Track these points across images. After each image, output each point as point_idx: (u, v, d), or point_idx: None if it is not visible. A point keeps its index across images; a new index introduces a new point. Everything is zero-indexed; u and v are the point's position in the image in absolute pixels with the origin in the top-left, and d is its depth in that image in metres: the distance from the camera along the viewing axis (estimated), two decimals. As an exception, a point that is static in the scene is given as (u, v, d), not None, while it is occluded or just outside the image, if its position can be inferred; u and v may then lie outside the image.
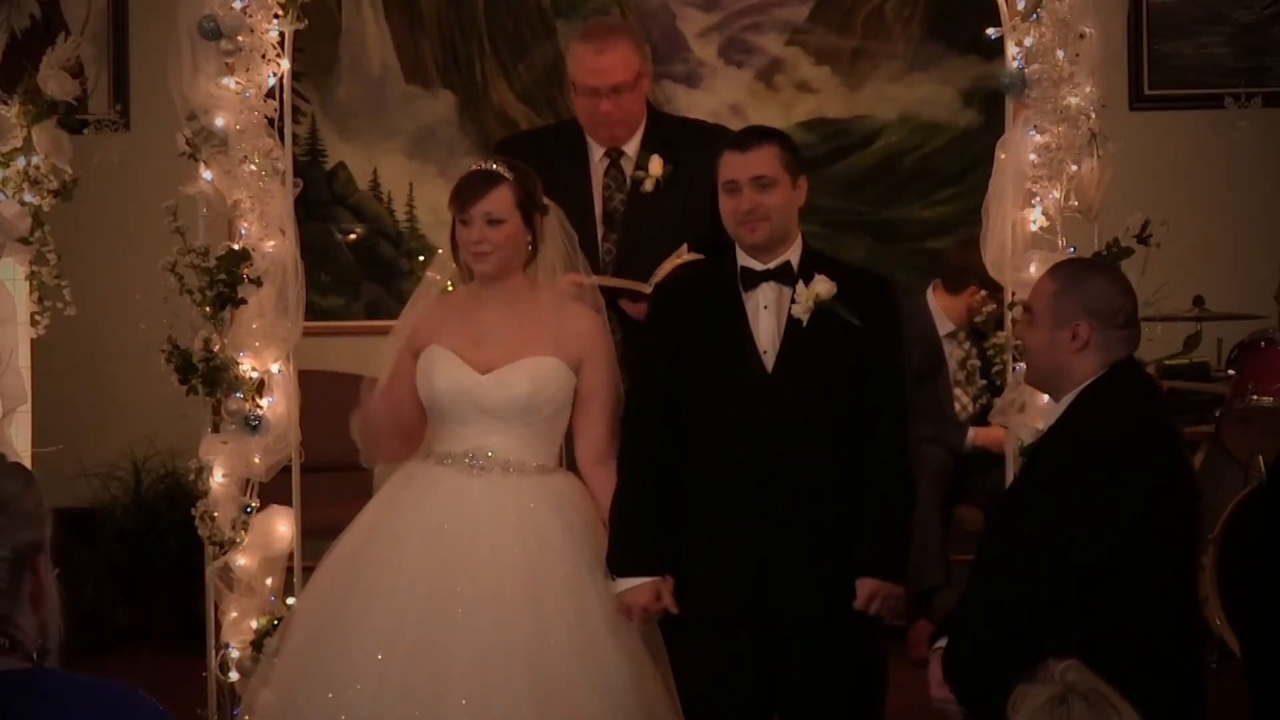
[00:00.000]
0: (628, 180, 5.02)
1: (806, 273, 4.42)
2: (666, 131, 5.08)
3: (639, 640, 4.43)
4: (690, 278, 4.69)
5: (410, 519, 4.47)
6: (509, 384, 4.45)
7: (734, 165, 4.41)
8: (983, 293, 6.49)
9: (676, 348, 4.45)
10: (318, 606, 4.54)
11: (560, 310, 4.53)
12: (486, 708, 4.25)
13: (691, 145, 4.99)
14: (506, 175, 4.47)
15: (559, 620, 4.34)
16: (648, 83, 5.07)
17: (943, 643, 4.06)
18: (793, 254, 4.44)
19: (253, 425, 4.99)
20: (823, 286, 4.38)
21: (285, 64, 5.03)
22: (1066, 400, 4.06)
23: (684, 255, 4.81)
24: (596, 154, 5.04)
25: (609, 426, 4.53)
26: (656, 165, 4.98)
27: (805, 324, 4.38)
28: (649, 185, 4.99)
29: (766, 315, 4.41)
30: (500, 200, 4.45)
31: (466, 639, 4.31)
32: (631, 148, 5.03)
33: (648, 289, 4.77)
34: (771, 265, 4.43)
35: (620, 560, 4.40)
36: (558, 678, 4.28)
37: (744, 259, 4.45)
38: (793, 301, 4.39)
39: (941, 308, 6.87)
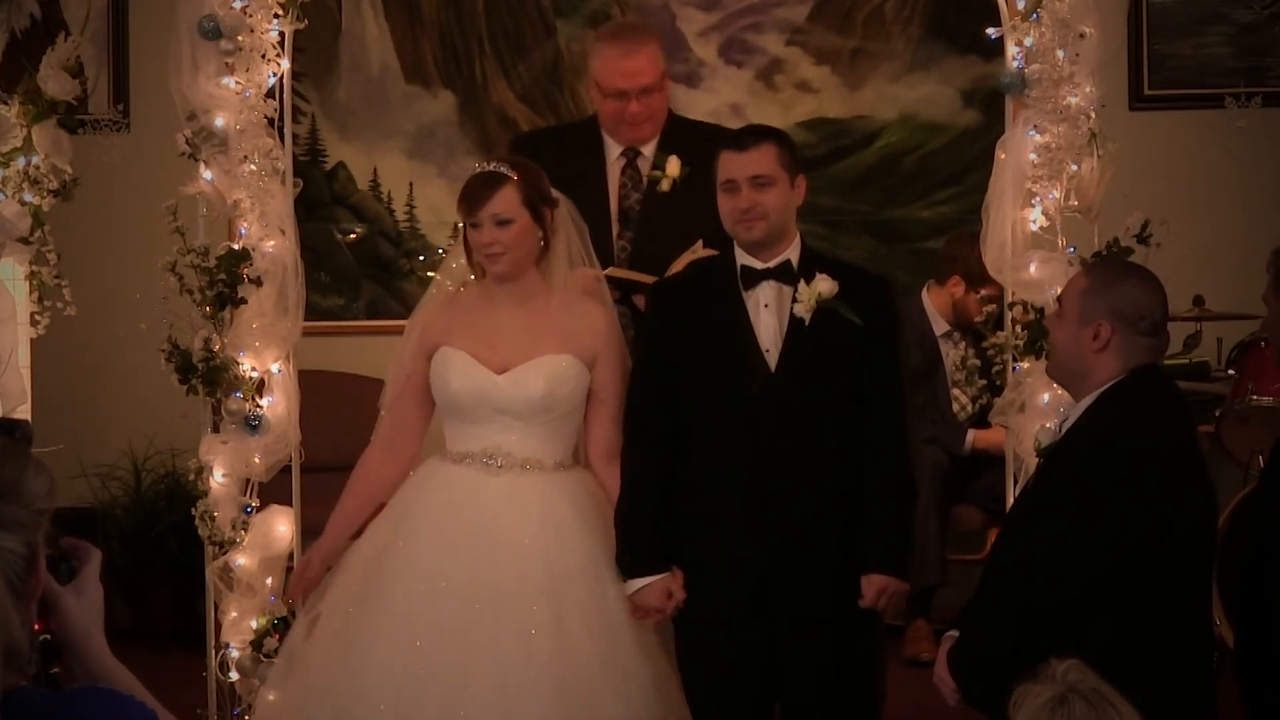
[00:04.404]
0: (643, 180, 5.03)
1: (806, 271, 4.42)
2: (683, 133, 5.10)
3: (655, 635, 4.46)
4: (689, 276, 4.70)
5: (431, 516, 4.49)
6: (525, 383, 4.46)
7: (732, 164, 4.42)
8: (983, 290, 6.51)
9: (677, 345, 4.45)
10: (340, 605, 4.55)
11: (572, 308, 4.54)
12: (506, 699, 4.27)
13: (708, 147, 5.00)
14: (510, 175, 4.48)
15: (579, 614, 4.37)
16: (669, 82, 5.10)
17: (954, 633, 4.07)
18: (792, 253, 4.45)
19: (253, 425, 4.99)
20: (825, 285, 4.38)
21: (285, 64, 5.03)
22: (1086, 402, 4.06)
23: (699, 251, 4.82)
24: (613, 153, 5.06)
25: (620, 423, 4.54)
26: (674, 166, 5.00)
27: (807, 323, 4.38)
28: (666, 185, 5.01)
29: (768, 314, 4.42)
30: (507, 200, 4.46)
31: (487, 631, 4.33)
32: (648, 148, 5.05)
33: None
34: (771, 264, 4.43)
35: (629, 561, 4.41)
36: (577, 670, 4.31)
37: (743, 257, 4.45)
38: (795, 300, 4.40)
39: (934, 306, 6.87)
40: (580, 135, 5.11)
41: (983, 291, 6.58)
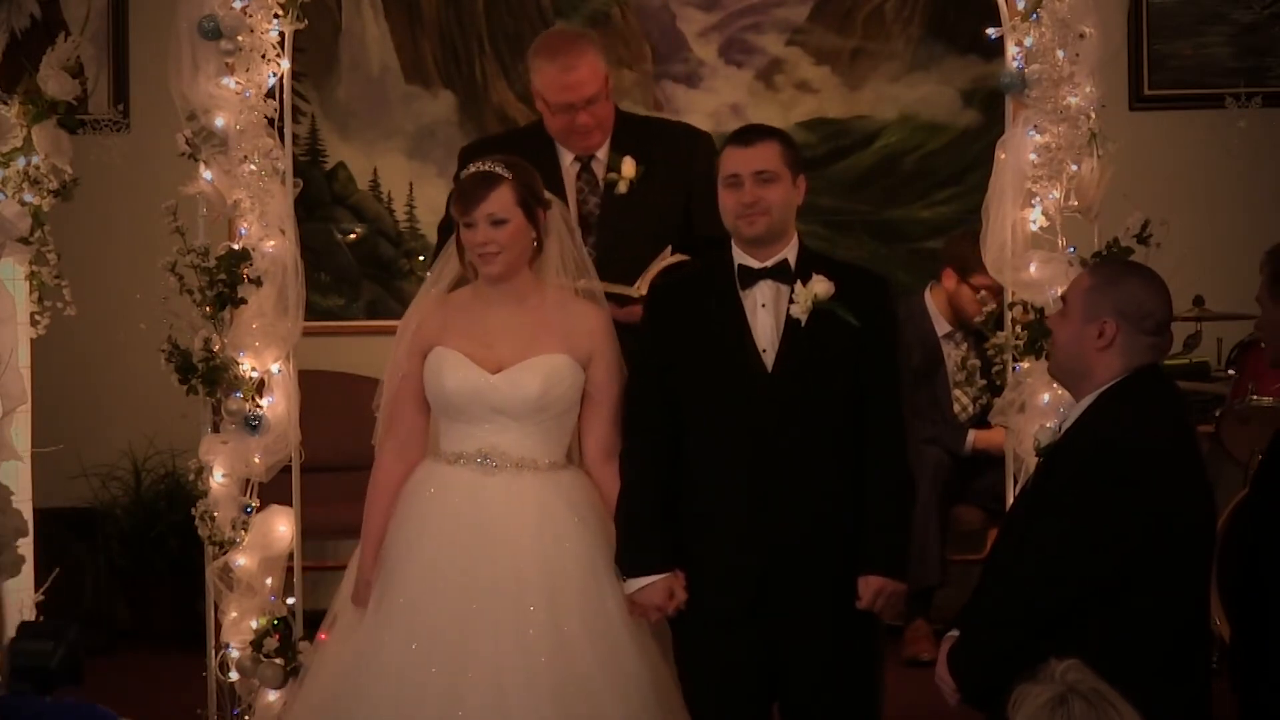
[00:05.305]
0: (600, 183, 5.01)
1: (804, 271, 4.42)
2: (633, 131, 5.06)
3: (652, 635, 4.46)
4: (687, 276, 4.70)
5: (427, 519, 4.48)
6: (521, 383, 4.46)
7: (736, 159, 4.42)
8: (974, 280, 6.54)
9: (675, 346, 4.45)
10: (349, 607, 4.56)
11: (568, 308, 4.55)
12: (505, 699, 4.28)
13: (659, 143, 5.01)
14: (505, 174, 4.48)
15: (576, 614, 4.37)
16: (612, 82, 5.05)
17: (954, 633, 4.07)
18: (789, 252, 4.45)
19: (253, 425, 5.00)
20: (821, 286, 4.38)
21: (285, 64, 5.03)
22: (1086, 401, 4.06)
23: (668, 258, 4.82)
24: (567, 159, 5.02)
25: (616, 423, 4.54)
26: (629, 167, 4.97)
27: (803, 323, 4.39)
28: (623, 187, 4.98)
29: (764, 314, 4.42)
30: (501, 200, 4.46)
31: (485, 632, 4.33)
32: (601, 151, 5.02)
33: (635, 292, 4.77)
34: (769, 263, 4.43)
35: (630, 560, 4.41)
36: (575, 670, 4.32)
37: (741, 257, 4.45)
38: (791, 301, 4.40)
39: (936, 307, 6.88)
40: (531, 143, 5.01)
41: (974, 281, 6.61)
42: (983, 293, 6.50)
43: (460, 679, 4.31)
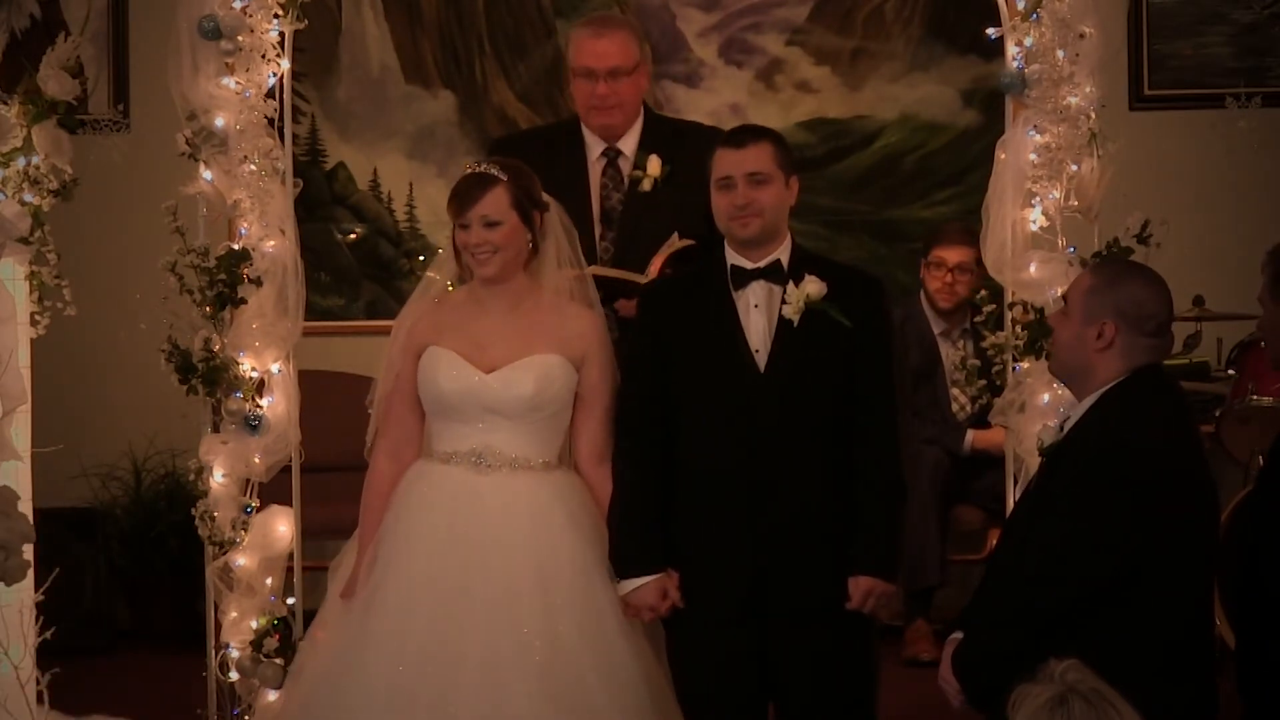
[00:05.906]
0: (625, 180, 5.04)
1: (796, 272, 4.43)
2: (663, 132, 5.12)
3: (644, 635, 4.46)
4: (679, 277, 4.70)
5: (421, 518, 4.49)
6: (514, 382, 4.47)
7: (729, 161, 4.42)
8: (933, 254, 6.58)
9: (667, 347, 4.46)
10: (339, 605, 4.56)
11: (562, 310, 4.56)
12: (499, 696, 4.28)
13: (687, 146, 5.03)
14: (500, 176, 4.49)
15: (570, 613, 4.38)
16: (645, 79, 5.09)
17: (958, 635, 4.07)
18: (783, 253, 4.45)
19: (253, 425, 5.00)
20: (813, 287, 4.39)
21: (285, 64, 5.04)
22: (1088, 401, 4.06)
23: (675, 243, 4.84)
24: (594, 154, 5.08)
25: (608, 425, 4.55)
26: (655, 165, 5.01)
27: (796, 324, 4.39)
28: (647, 185, 5.02)
29: (757, 314, 4.42)
30: (496, 201, 4.47)
31: (479, 634, 4.34)
32: (628, 148, 5.07)
33: (644, 279, 4.79)
34: (762, 264, 4.44)
35: (624, 561, 4.42)
36: (569, 671, 4.32)
37: (734, 257, 4.46)
38: (783, 302, 4.40)
39: (929, 304, 6.89)
40: (562, 136, 5.14)
41: (931, 257, 6.70)
42: (992, 307, 6.53)
43: (454, 678, 4.31)
